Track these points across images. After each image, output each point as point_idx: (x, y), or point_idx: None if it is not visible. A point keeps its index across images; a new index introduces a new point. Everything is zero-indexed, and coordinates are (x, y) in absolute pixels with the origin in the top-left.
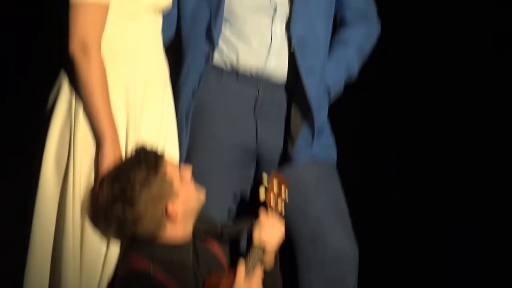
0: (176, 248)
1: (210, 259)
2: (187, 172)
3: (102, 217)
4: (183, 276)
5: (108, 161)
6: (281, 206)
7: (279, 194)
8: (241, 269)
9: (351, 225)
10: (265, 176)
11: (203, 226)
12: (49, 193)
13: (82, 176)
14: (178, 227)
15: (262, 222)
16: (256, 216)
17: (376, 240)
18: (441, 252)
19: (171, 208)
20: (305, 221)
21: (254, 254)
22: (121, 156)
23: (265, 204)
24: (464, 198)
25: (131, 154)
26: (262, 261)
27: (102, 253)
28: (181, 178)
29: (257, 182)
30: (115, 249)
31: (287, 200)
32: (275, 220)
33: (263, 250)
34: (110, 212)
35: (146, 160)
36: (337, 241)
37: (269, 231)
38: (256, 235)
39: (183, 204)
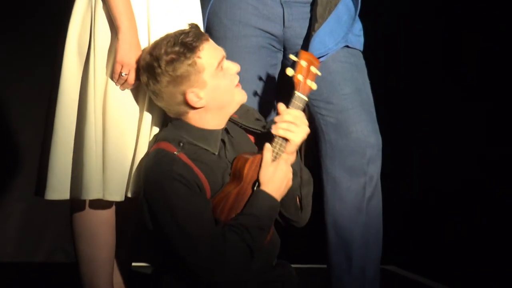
0: (204, 133)
1: (242, 146)
2: (233, 66)
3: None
4: (207, 160)
5: (124, 46)
6: (306, 89)
7: (307, 75)
8: (267, 151)
9: (375, 115)
10: (292, 56)
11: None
12: (71, 78)
13: (102, 61)
14: (209, 116)
15: (281, 115)
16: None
17: None
18: None
19: (191, 96)
20: (329, 110)
21: (276, 143)
22: (137, 42)
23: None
24: None
25: (180, 29)
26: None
27: (125, 136)
28: (222, 69)
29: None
30: (135, 133)
31: (314, 86)
32: (297, 115)
33: (285, 139)
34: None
35: (184, 40)
36: (361, 130)
37: (288, 125)
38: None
39: (212, 94)
